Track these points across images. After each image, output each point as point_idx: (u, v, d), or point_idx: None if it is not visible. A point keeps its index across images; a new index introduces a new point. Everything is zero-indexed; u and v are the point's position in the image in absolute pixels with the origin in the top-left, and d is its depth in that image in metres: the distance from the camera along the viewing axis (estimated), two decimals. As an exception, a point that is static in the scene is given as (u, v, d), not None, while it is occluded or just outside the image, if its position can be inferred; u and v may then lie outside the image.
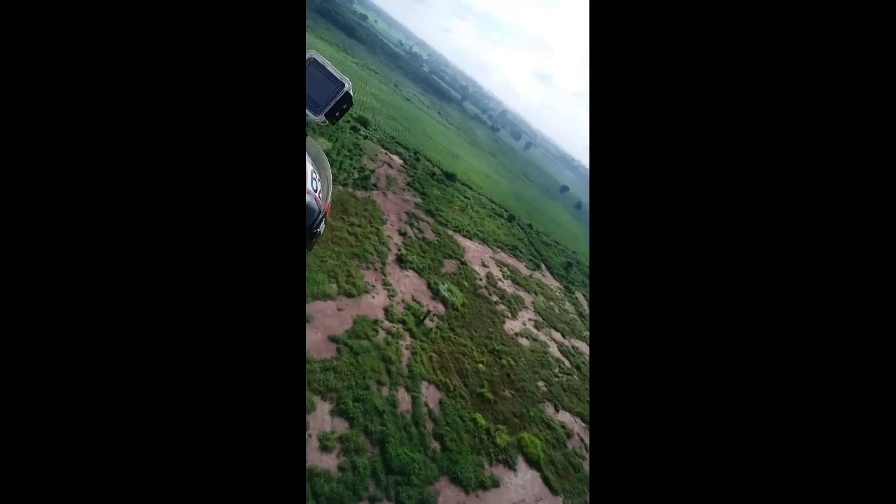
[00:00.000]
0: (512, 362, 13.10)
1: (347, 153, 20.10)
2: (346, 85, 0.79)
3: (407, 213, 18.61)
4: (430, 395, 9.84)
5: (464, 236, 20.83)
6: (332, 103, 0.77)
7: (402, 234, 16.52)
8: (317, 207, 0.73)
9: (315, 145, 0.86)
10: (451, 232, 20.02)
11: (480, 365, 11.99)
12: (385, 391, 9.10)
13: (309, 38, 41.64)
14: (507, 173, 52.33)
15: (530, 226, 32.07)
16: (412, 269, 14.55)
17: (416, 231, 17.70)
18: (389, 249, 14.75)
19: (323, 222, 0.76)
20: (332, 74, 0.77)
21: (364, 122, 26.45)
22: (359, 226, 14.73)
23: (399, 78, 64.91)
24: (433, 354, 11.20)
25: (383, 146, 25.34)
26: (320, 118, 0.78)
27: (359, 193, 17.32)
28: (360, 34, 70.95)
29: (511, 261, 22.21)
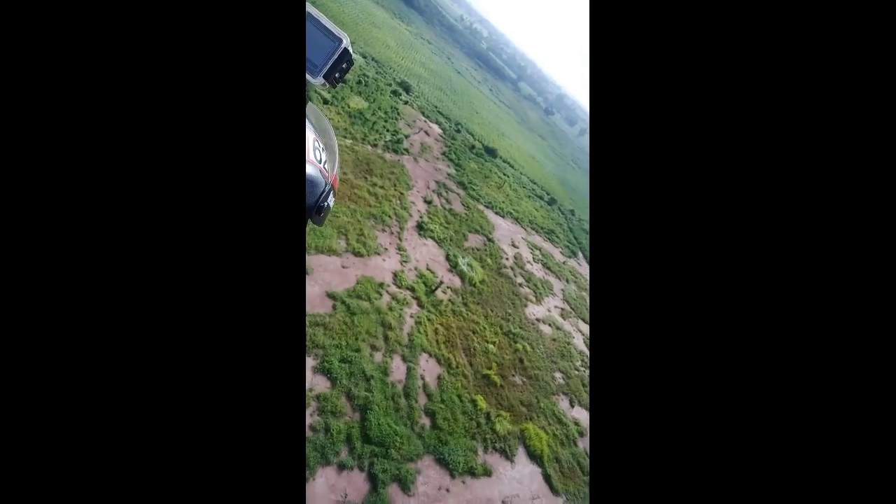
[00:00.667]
0: (528, 348, 12.06)
1: (383, 115, 19.36)
2: (344, 41, 0.71)
3: (437, 182, 17.68)
4: (428, 368, 9.09)
5: (496, 213, 19.64)
6: (330, 63, 0.70)
7: (428, 201, 15.66)
8: (322, 180, 0.67)
9: (319, 113, 0.82)
10: (481, 207, 18.91)
11: (491, 346, 11.07)
12: (378, 357, 8.45)
13: (365, 2, 40.99)
14: (556, 157, 49.67)
15: (572, 212, 30.10)
16: (432, 238, 13.71)
17: (444, 201, 16.77)
18: (410, 215, 13.98)
19: (332, 195, 0.69)
20: (327, 29, 0.70)
21: (406, 88, 25.54)
22: (381, 187, 14.03)
23: (453, 51, 62.90)
24: (439, 327, 10.40)
25: (423, 113, 24.37)
26: (319, 80, 0.71)
27: (388, 156, 16.59)
28: (418, 3, 69.35)
29: (545, 244, 20.79)
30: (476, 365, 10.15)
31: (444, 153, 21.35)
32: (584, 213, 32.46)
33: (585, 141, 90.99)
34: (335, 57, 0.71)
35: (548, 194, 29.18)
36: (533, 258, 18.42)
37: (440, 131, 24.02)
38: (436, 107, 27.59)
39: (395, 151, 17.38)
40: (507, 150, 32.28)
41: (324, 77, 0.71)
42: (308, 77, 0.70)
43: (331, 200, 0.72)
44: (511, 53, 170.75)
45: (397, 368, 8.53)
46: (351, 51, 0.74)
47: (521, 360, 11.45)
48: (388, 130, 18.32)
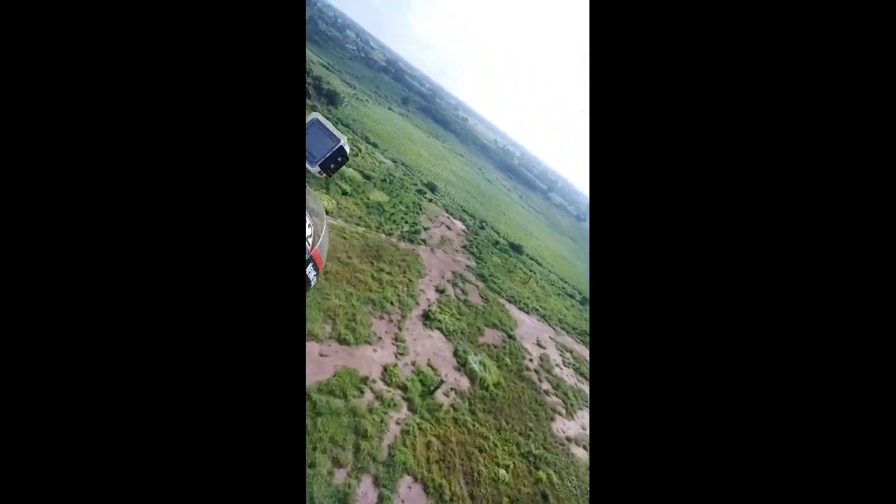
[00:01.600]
0: (555, 478, 9.18)
1: (404, 209, 19.54)
2: (342, 140, 0.83)
3: (453, 273, 16.62)
4: (410, 500, 6.71)
5: (519, 308, 17.85)
6: (328, 155, 0.82)
7: (440, 290, 14.39)
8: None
9: (311, 194, 0.87)
10: (503, 301, 17.30)
11: (503, 471, 8.45)
12: (340, 476, 6.32)
13: (404, 123, 46.37)
14: (588, 259, 48.42)
15: (609, 314, 27.44)
16: (439, 329, 12.06)
17: (459, 291, 15.43)
18: (417, 303, 12.63)
19: (312, 268, 0.74)
20: (330, 132, 0.83)
21: (432, 188, 26.52)
22: (388, 273, 13.07)
23: (484, 164, 68.15)
24: (434, 440, 8.14)
25: (447, 210, 24.70)
26: (315, 169, 0.81)
27: (402, 245, 16.04)
28: (454, 127, 78.18)
29: (577, 347, 18.24)
30: (479, 498, 7.53)
31: (464, 246, 20.74)
32: (622, 315, 29.74)
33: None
34: (332, 151, 0.82)
35: (580, 293, 27.13)
36: (563, 361, 15.90)
37: (463, 227, 23.90)
38: (461, 206, 28.17)
39: (411, 241, 16.89)
40: (535, 249, 31.54)
41: (319, 166, 0.82)
42: (308, 166, 0.80)
43: (311, 274, 0.74)
44: (542, 169, 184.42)
45: (364, 496, 6.28)
46: (347, 149, 0.84)
47: (545, 496, 8.56)
48: (406, 222, 18.19)
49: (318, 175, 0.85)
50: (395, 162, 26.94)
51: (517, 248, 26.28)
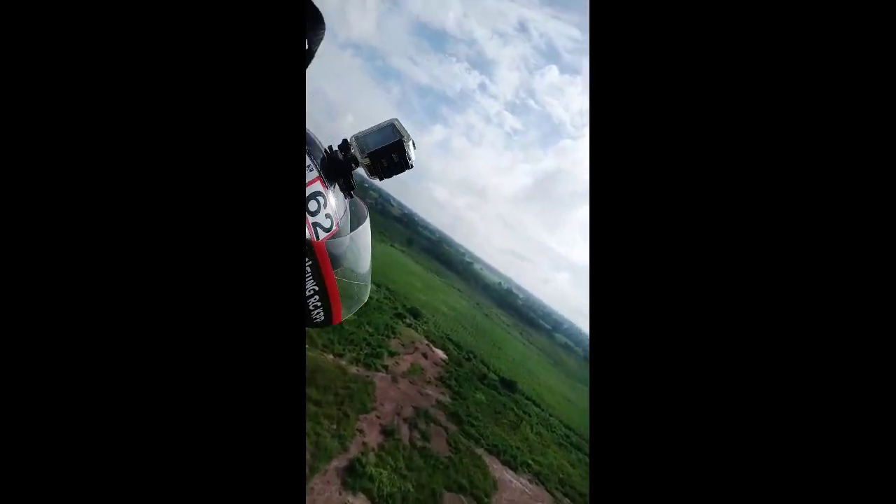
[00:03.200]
0: None
1: (371, 330, 17.01)
2: (405, 138, 0.70)
3: (415, 409, 13.11)
4: None
5: (503, 462, 13.56)
6: (381, 146, 0.69)
7: (388, 432, 10.84)
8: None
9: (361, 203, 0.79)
10: (480, 451, 13.22)
11: None
12: None
13: (402, 258, 47.00)
14: (602, 406, 42.13)
15: (630, 476, 21.55)
16: (366, 493, 8.30)
17: (416, 435, 11.74)
18: (345, 449, 9.13)
19: (314, 293, 0.65)
20: (396, 131, 0.70)
21: (415, 314, 24.32)
22: (315, 403, 9.93)
23: (483, 300, 66.92)
24: None
25: (428, 338, 21.94)
26: (364, 159, 0.70)
27: (353, 369, 13.07)
28: (457, 267, 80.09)
29: (587, 526, 13.15)
30: None
31: (440, 378, 17.38)
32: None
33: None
34: (386, 145, 0.69)
35: (586, 442, 21.89)
36: (564, 551, 11.02)
37: (444, 356, 20.78)
38: (447, 335, 25.41)
39: (367, 366, 13.91)
40: (533, 387, 27.25)
41: (370, 157, 0.69)
42: (359, 154, 0.70)
43: (310, 292, 0.66)
44: (547, 311, 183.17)
45: None
46: (411, 153, 0.72)
47: None
48: (367, 344, 15.48)
49: (368, 173, 0.71)
50: (378, 286, 25.48)
51: (510, 386, 22.41)
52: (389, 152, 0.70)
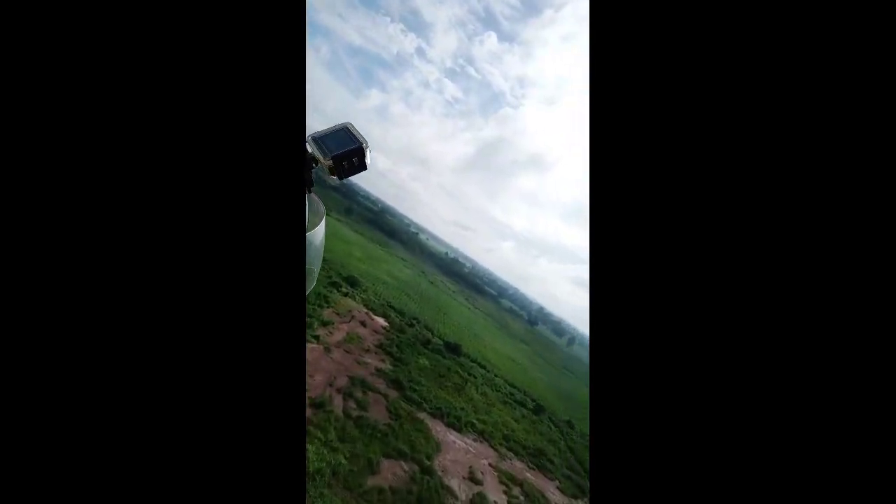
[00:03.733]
0: None
1: (301, 301, 15.52)
2: (364, 144, 0.76)
3: (350, 379, 12.14)
4: None
5: (447, 424, 13.20)
6: (343, 151, 0.74)
7: (318, 404, 9.81)
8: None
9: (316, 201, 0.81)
10: (423, 415, 12.69)
11: None
12: None
13: (339, 227, 44.51)
14: (543, 363, 44.23)
15: (570, 424, 22.72)
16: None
17: (352, 405, 10.84)
18: (263, 426, 7.94)
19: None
20: (354, 137, 0.76)
21: (353, 282, 22.93)
22: (225, 380, 8.53)
23: (429, 268, 66.58)
24: None
25: (367, 306, 20.81)
26: (328, 161, 0.74)
27: (278, 342, 11.68)
28: (401, 237, 78.32)
29: (530, 475, 13.34)
30: None
31: (379, 345, 16.49)
32: (585, 425, 24.81)
33: (577, 350, 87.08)
34: (348, 149, 0.74)
35: (533, 401, 22.62)
36: (508, 502, 10.95)
37: (384, 324, 19.87)
38: (387, 302, 24.43)
39: (295, 337, 12.58)
40: (478, 350, 27.48)
41: (332, 159, 0.74)
42: (321, 156, 0.74)
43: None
44: (492, 278, 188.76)
45: None
46: (368, 158, 0.77)
47: None
48: (295, 314, 14.05)
49: (327, 172, 0.75)
50: (311, 256, 23.59)
51: (454, 349, 22.20)
52: (351, 156, 0.75)
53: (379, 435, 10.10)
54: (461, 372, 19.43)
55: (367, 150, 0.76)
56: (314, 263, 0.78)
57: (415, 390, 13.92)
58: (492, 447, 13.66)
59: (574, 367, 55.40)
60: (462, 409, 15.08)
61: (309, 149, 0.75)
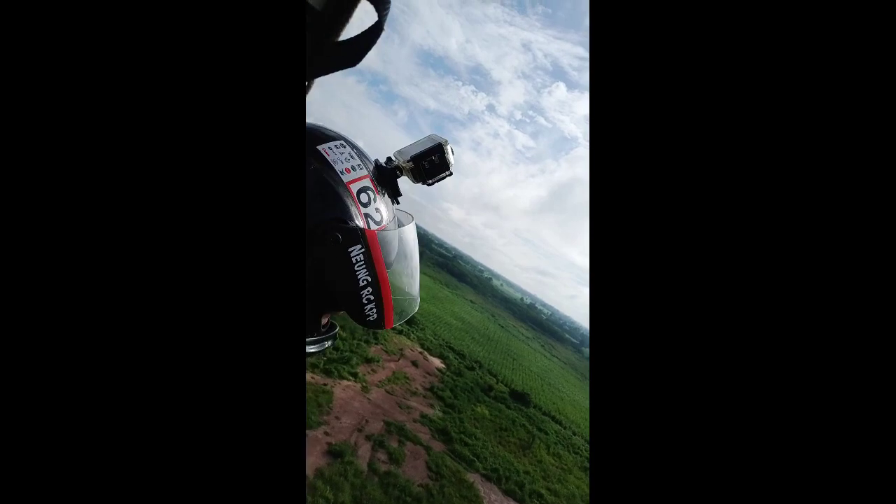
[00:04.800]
0: None
1: (347, 335, 14.44)
2: (444, 142, 0.74)
3: (386, 424, 10.34)
4: None
5: (505, 491, 10.50)
6: (422, 150, 0.73)
7: (338, 453, 8.13)
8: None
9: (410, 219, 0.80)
10: (473, 477, 10.23)
11: None
12: None
13: (443, 290, 44.67)
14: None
15: None
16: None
17: (382, 457, 8.95)
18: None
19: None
20: (433, 138, 0.75)
21: (410, 321, 21.62)
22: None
23: (501, 313, 63.08)
24: None
25: (423, 346, 19.15)
26: (408, 163, 0.74)
27: (308, 377, 10.48)
28: (471, 280, 76.88)
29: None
30: None
31: (430, 388, 14.54)
32: None
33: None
34: (426, 148, 0.74)
35: (624, 469, 18.22)
36: None
37: (441, 365, 17.90)
38: (446, 342, 22.50)
39: (329, 372, 11.31)
40: (552, 401, 23.75)
41: (412, 160, 0.73)
42: (401, 158, 0.74)
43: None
44: (575, 326, 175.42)
45: None
46: (450, 157, 0.76)
47: None
48: (335, 349, 12.91)
49: (411, 178, 0.75)
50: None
51: (522, 398, 19.19)
52: (430, 154, 0.74)
53: (408, 499, 8.00)
54: (528, 426, 16.40)
55: (448, 147, 0.74)
56: (408, 268, 0.75)
57: (466, 444, 11.57)
58: (565, 529, 10.51)
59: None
60: (527, 473, 12.20)
61: (394, 161, 0.75)
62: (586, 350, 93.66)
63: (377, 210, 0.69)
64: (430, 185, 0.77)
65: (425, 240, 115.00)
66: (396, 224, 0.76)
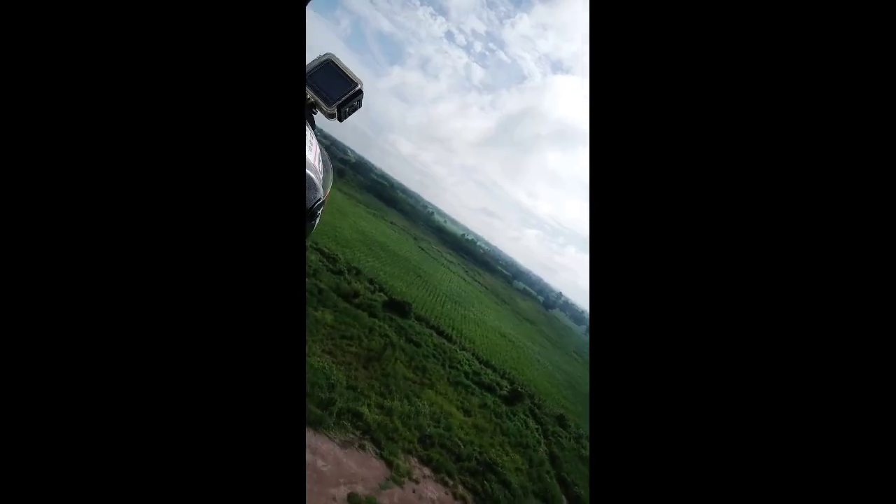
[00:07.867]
0: None
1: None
2: (359, 84, 0.81)
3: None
4: None
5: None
6: (345, 97, 0.78)
7: None
8: (319, 189, 0.70)
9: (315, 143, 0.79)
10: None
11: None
12: None
13: (357, 208, 38.69)
14: (551, 347, 37.33)
15: (561, 421, 16.10)
16: None
17: None
18: None
19: (322, 206, 0.75)
20: (345, 74, 0.79)
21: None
22: None
23: (428, 239, 59.91)
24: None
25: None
26: (332, 110, 0.78)
27: None
28: (402, 206, 71.99)
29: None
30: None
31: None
32: (586, 423, 17.99)
33: (596, 337, 78.80)
34: (348, 95, 0.79)
35: (510, 385, 16.10)
36: None
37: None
38: (321, 246, 18.26)
39: None
40: (449, 317, 21.04)
41: (336, 107, 0.78)
42: (325, 106, 0.77)
43: (320, 212, 0.73)
44: (510, 262, 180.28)
45: None
46: (363, 92, 0.82)
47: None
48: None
49: (328, 117, 0.80)
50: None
51: (399, 308, 15.89)
52: (352, 100, 0.78)
53: None
54: (395, 337, 13.16)
55: (362, 86, 0.79)
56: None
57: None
58: (382, 458, 7.40)
59: (587, 354, 48.03)
60: (351, 388, 8.84)
61: (308, 94, 0.77)
62: (517, 282, 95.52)
63: (319, 162, 0.71)
64: (342, 121, 0.81)
65: (364, 169, 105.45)
66: (328, 159, 0.78)
